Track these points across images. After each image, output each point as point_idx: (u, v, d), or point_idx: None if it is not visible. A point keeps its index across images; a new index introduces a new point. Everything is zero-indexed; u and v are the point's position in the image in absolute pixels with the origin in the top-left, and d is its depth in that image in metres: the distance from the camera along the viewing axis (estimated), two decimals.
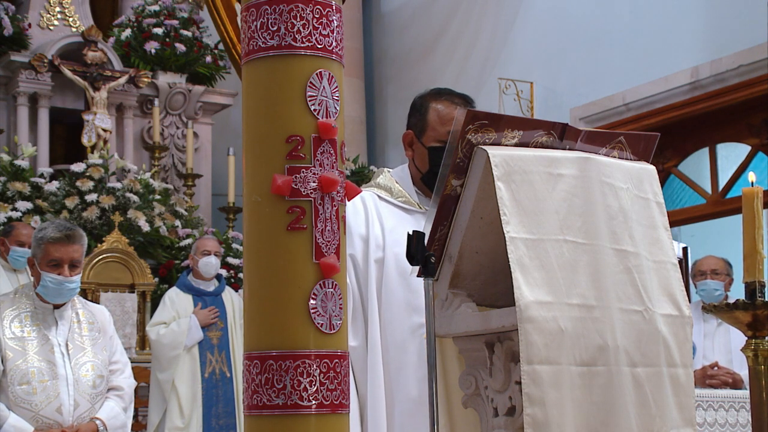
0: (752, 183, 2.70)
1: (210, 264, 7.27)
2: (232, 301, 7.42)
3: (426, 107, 2.95)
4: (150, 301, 8.42)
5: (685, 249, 6.46)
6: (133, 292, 8.38)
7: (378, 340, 2.77)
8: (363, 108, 10.65)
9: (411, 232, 2.25)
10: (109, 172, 9.04)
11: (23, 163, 8.89)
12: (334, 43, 2.05)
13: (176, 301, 7.23)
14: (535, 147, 2.33)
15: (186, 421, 7.06)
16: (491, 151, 2.22)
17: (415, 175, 2.99)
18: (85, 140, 9.22)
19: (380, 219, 2.89)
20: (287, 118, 2.00)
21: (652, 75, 7.82)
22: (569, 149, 2.37)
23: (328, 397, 1.96)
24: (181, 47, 9.95)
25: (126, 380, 4.48)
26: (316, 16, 2.02)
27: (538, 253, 2.19)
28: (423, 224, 2.85)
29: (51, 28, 9.82)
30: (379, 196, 2.94)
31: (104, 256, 8.33)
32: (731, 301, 2.82)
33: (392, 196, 2.96)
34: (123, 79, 9.51)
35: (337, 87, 2.05)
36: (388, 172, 3.05)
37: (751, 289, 2.65)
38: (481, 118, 2.25)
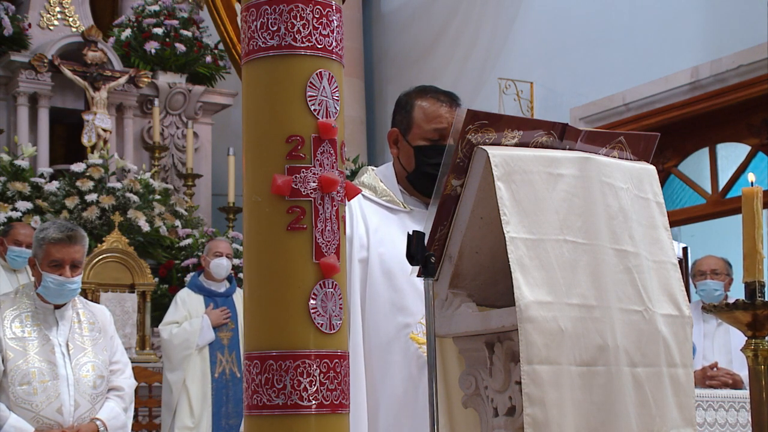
0: (752, 183, 2.70)
1: (221, 266, 7.30)
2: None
3: (411, 105, 2.91)
4: (150, 301, 8.43)
5: (685, 249, 6.46)
6: (133, 292, 8.38)
7: (361, 340, 2.74)
8: (363, 108, 10.65)
9: (411, 232, 2.25)
10: (109, 172, 9.04)
11: (23, 163, 8.90)
12: (334, 43, 2.05)
13: (188, 302, 7.26)
14: (535, 147, 2.33)
15: (196, 420, 7.09)
16: (491, 151, 2.22)
17: (400, 173, 2.95)
18: (85, 140, 9.22)
19: (364, 218, 2.86)
20: (287, 118, 2.00)
21: (652, 75, 7.82)
22: (569, 149, 2.37)
23: (328, 397, 1.96)
24: (181, 47, 9.95)
25: (126, 380, 4.48)
26: (316, 16, 2.02)
27: (538, 253, 2.19)
28: (407, 223, 2.85)
29: (51, 28, 9.83)
30: (363, 195, 2.91)
31: (104, 256, 8.33)
32: (731, 301, 2.81)
33: (377, 195, 2.92)
34: (123, 79, 9.51)
35: (337, 87, 2.04)
36: (372, 170, 3.01)
37: (751, 289, 2.64)
38: (481, 118, 2.25)
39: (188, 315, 7.19)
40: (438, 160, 2.83)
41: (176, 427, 7.08)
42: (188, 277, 7.90)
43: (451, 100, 2.92)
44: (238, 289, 7.52)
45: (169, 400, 7.15)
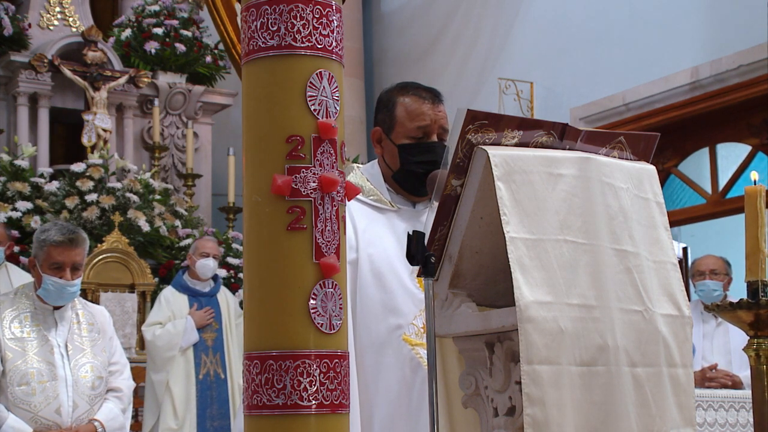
0: (755, 182, 2.69)
1: (207, 266, 7.24)
2: (227, 302, 7.40)
3: (393, 102, 2.89)
4: (150, 301, 8.42)
5: (685, 249, 6.44)
6: (133, 292, 8.38)
7: (353, 343, 2.70)
8: (363, 108, 10.65)
9: (411, 232, 2.24)
10: (109, 172, 9.04)
11: (23, 163, 8.90)
12: (334, 43, 2.05)
13: (172, 301, 7.20)
14: (535, 147, 2.33)
15: (180, 422, 7.04)
16: (491, 151, 2.22)
17: (386, 172, 2.93)
18: (85, 140, 9.22)
19: (352, 219, 2.82)
20: (287, 118, 2.00)
21: (652, 75, 7.82)
22: (569, 149, 2.37)
23: (328, 397, 1.96)
24: (181, 47, 9.96)
25: (125, 381, 4.47)
26: (316, 16, 2.02)
27: (538, 253, 2.19)
28: (396, 223, 2.84)
29: (51, 28, 9.83)
30: None
31: (104, 256, 8.33)
32: (730, 300, 2.80)
33: (364, 194, 2.89)
34: (123, 79, 9.51)
35: (337, 87, 2.04)
36: (359, 169, 2.99)
37: (754, 288, 2.63)
38: (481, 118, 2.24)
39: (172, 315, 7.13)
40: (422, 158, 2.83)
41: (160, 429, 7.04)
42: None
43: (434, 96, 2.89)
44: (222, 288, 7.50)
45: (151, 400, 7.12)
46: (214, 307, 7.27)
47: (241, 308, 7.57)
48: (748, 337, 2.70)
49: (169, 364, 7.04)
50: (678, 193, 8.40)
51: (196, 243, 7.47)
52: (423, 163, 2.82)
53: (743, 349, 2.72)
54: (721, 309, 2.73)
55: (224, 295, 7.44)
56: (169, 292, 7.29)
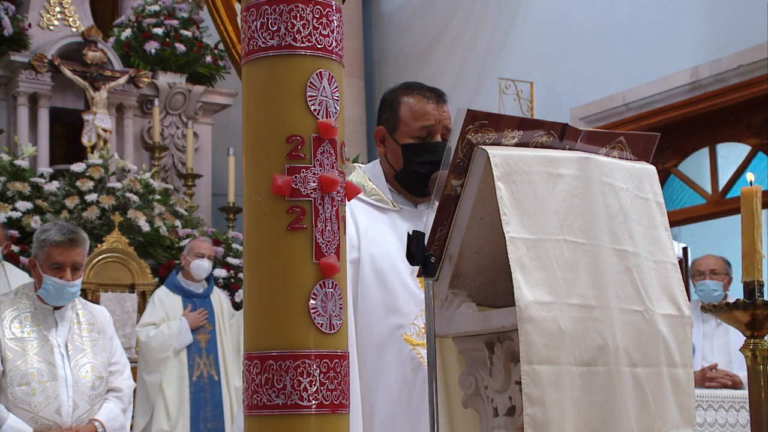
0: (751, 182, 2.70)
1: (202, 267, 7.22)
2: (221, 302, 7.39)
3: (397, 102, 2.88)
4: None
5: (685, 249, 6.44)
6: (133, 292, 8.38)
7: (354, 343, 2.69)
8: (363, 108, 10.65)
9: (411, 232, 2.24)
10: (109, 172, 9.05)
11: (23, 163, 8.90)
12: (334, 43, 2.05)
13: (165, 302, 7.18)
14: (535, 147, 2.33)
15: (172, 424, 7.02)
16: (491, 151, 2.22)
17: (388, 171, 2.93)
18: (85, 140, 9.22)
19: (354, 219, 2.82)
20: (287, 118, 2.00)
21: (652, 75, 7.82)
22: (569, 149, 2.37)
23: (328, 397, 1.96)
24: (181, 47, 9.96)
25: (125, 382, 4.47)
26: (316, 16, 2.02)
27: (538, 253, 2.19)
28: (398, 222, 2.84)
29: (51, 28, 9.83)
30: None
31: (104, 256, 8.33)
32: (731, 300, 2.81)
33: (366, 194, 2.89)
34: (123, 79, 9.51)
35: (337, 87, 2.04)
36: (360, 168, 2.98)
37: (750, 288, 2.64)
38: (481, 118, 2.24)
39: (166, 316, 7.11)
40: (426, 158, 2.83)
41: (153, 430, 7.02)
42: None
43: (438, 96, 2.89)
44: (215, 289, 7.48)
45: (143, 402, 7.10)
46: (208, 308, 7.25)
47: (236, 309, 7.58)
48: (745, 337, 2.71)
49: (163, 365, 7.02)
50: (678, 193, 8.40)
51: (191, 243, 7.46)
52: (426, 163, 2.82)
53: (740, 349, 2.73)
54: (718, 309, 2.74)
55: (217, 296, 7.42)
56: (162, 293, 7.27)
